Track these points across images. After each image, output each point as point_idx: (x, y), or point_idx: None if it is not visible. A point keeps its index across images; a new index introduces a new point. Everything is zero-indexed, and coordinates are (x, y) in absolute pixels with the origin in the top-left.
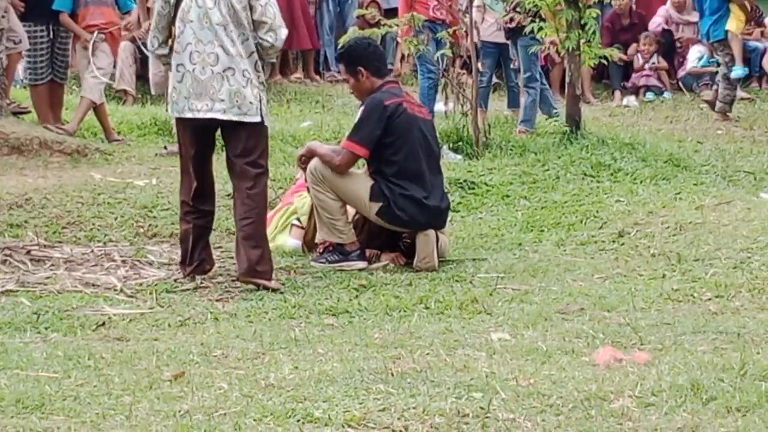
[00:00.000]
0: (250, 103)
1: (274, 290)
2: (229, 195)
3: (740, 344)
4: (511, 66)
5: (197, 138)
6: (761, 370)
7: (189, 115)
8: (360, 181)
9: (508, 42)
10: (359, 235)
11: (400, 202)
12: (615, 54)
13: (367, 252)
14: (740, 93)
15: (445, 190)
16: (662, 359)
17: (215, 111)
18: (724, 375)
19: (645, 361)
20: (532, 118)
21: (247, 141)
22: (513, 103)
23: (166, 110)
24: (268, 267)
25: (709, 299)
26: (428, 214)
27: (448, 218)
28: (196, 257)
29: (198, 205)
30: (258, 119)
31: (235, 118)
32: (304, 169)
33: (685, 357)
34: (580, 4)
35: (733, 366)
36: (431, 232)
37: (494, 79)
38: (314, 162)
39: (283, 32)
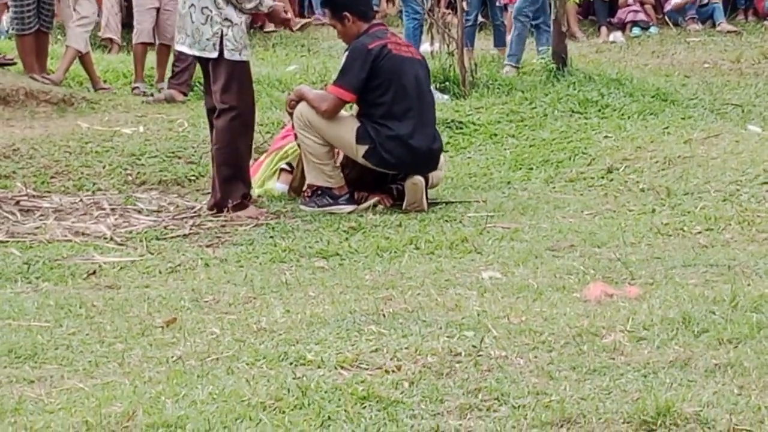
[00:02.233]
0: (207, 39)
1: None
2: None
3: (731, 276)
4: (497, 4)
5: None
6: (752, 301)
7: (176, 47)
8: (347, 124)
9: None
10: (349, 177)
11: (387, 144)
12: None
13: (356, 195)
14: (726, 26)
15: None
16: (653, 293)
17: (184, 44)
18: (715, 307)
19: (636, 296)
20: (518, 53)
21: (214, 75)
22: (499, 42)
23: None
24: (220, 196)
25: (699, 232)
26: (416, 155)
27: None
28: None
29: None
30: (214, 55)
31: (195, 53)
32: (292, 115)
33: (676, 290)
34: None
35: (724, 298)
36: (419, 180)
37: (480, 18)
38: (300, 107)
39: None
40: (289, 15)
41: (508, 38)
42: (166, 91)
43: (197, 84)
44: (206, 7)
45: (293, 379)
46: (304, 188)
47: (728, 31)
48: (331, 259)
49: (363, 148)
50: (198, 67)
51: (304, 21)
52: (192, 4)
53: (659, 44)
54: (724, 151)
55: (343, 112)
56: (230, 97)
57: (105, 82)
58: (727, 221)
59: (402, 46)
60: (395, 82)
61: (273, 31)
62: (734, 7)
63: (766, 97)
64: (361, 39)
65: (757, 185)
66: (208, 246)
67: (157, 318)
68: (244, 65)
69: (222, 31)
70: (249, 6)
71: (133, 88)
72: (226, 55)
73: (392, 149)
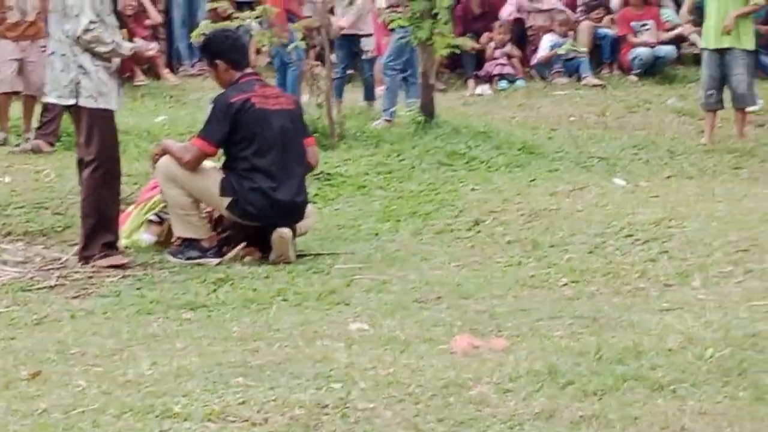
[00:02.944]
0: (64, 86)
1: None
2: None
3: (596, 328)
4: (364, 57)
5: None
6: (616, 353)
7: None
8: (210, 176)
9: (360, 33)
10: (217, 229)
11: (250, 197)
12: (468, 43)
13: (225, 248)
14: (592, 80)
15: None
16: (519, 345)
17: (49, 93)
18: (580, 359)
19: (503, 348)
20: (391, 107)
21: (77, 126)
22: (368, 95)
23: None
24: (84, 246)
25: (565, 284)
26: (280, 208)
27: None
28: None
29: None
30: (72, 102)
31: (54, 100)
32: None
33: (542, 342)
34: None
35: (589, 350)
36: (286, 233)
37: (349, 71)
38: (164, 159)
39: (84, 21)
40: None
41: (377, 91)
42: (32, 142)
43: (65, 134)
44: (64, 54)
45: None
46: (172, 240)
47: (594, 85)
48: (198, 311)
49: (226, 200)
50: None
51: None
52: (53, 52)
53: (526, 97)
54: (589, 203)
55: (208, 164)
56: (93, 148)
57: None
58: (592, 273)
59: (269, 99)
60: (258, 135)
61: (142, 84)
62: (599, 61)
63: (630, 151)
64: (226, 92)
65: (622, 237)
66: (74, 297)
67: (23, 370)
68: (105, 114)
69: (78, 78)
70: (103, 50)
71: None
72: (81, 102)
73: (255, 201)
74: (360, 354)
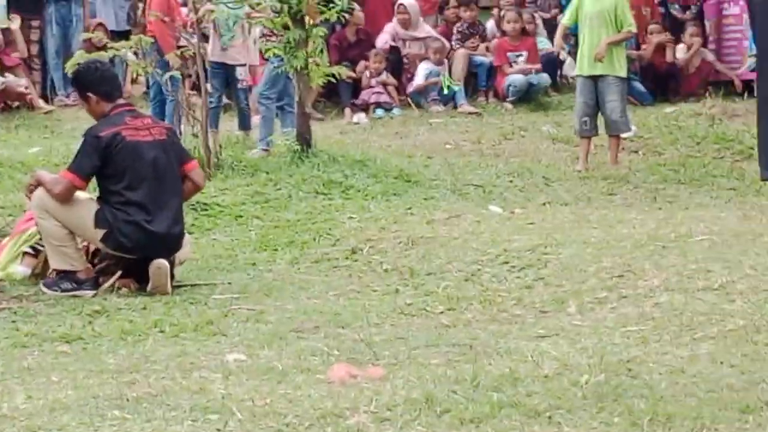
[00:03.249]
0: None
1: None
2: None
3: (472, 356)
4: (238, 86)
5: None
6: (493, 380)
7: None
8: (84, 207)
9: (234, 63)
10: (93, 260)
11: (124, 229)
12: (344, 72)
13: (101, 279)
14: (468, 107)
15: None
16: (396, 374)
17: None
18: (457, 387)
19: (380, 377)
20: (267, 136)
21: None
22: (244, 124)
23: None
24: None
25: (442, 312)
26: (155, 240)
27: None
28: None
29: None
30: None
31: None
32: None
33: (419, 371)
34: (307, 24)
35: (466, 378)
36: (163, 264)
37: (225, 100)
38: (38, 191)
39: None
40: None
41: (253, 120)
42: None
43: None
44: None
45: None
46: (48, 272)
47: (470, 113)
48: (74, 344)
49: (101, 233)
50: None
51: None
52: None
53: (402, 125)
54: (465, 231)
55: (83, 195)
56: None
57: None
58: (468, 301)
59: (140, 130)
60: (130, 169)
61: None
62: (475, 89)
63: (506, 178)
64: (96, 125)
65: (498, 265)
66: None
67: None
68: None
69: None
70: None
71: None
72: None
73: (130, 234)
74: (237, 385)
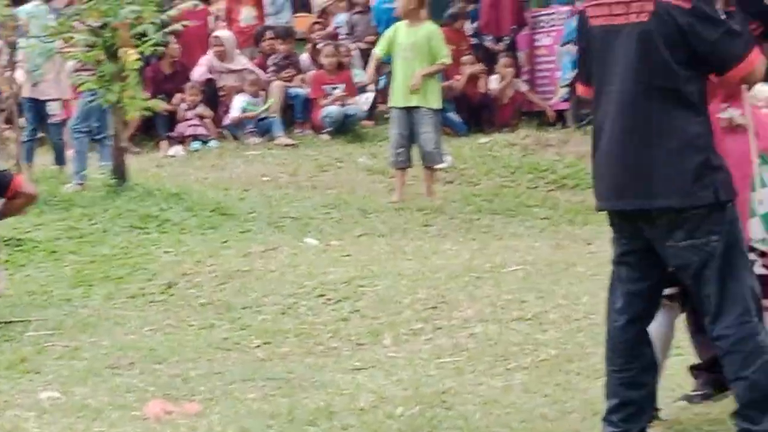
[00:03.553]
0: None
1: None
2: None
3: (288, 389)
4: (50, 121)
5: None
6: (309, 414)
7: None
8: None
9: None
10: None
11: None
12: (159, 105)
13: None
14: (284, 139)
15: None
16: (213, 409)
17: None
18: (272, 422)
19: (196, 412)
20: (81, 170)
21: None
22: (58, 159)
23: None
24: None
25: (258, 346)
26: None
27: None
28: None
29: None
30: None
31: None
32: None
33: (235, 405)
34: (120, 57)
35: (282, 412)
36: None
37: (39, 133)
38: None
39: None
40: None
41: (68, 154)
42: None
43: None
44: None
45: None
46: None
47: (286, 144)
48: None
49: None
50: None
51: None
52: None
53: (219, 158)
54: (282, 264)
55: None
56: None
57: None
58: (285, 334)
59: None
60: None
61: None
62: (291, 120)
63: (322, 210)
64: None
65: (314, 297)
66: None
67: None
68: None
69: None
70: None
71: None
72: None
73: None
74: (51, 423)
